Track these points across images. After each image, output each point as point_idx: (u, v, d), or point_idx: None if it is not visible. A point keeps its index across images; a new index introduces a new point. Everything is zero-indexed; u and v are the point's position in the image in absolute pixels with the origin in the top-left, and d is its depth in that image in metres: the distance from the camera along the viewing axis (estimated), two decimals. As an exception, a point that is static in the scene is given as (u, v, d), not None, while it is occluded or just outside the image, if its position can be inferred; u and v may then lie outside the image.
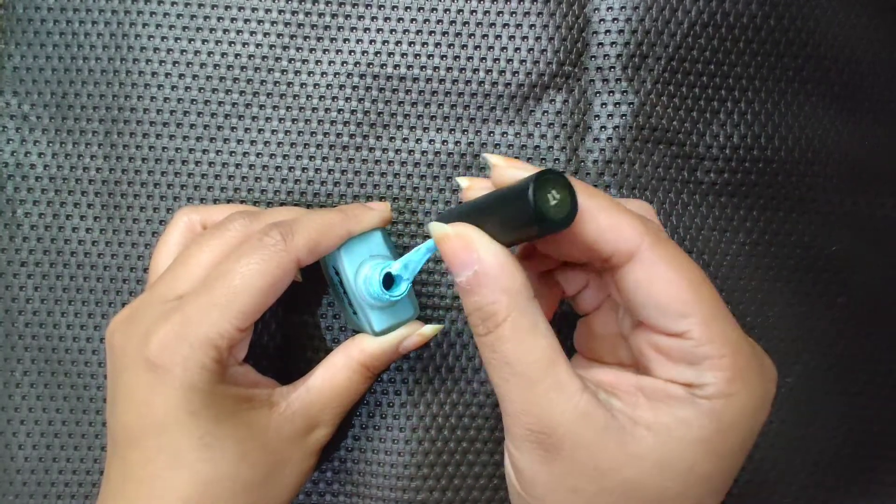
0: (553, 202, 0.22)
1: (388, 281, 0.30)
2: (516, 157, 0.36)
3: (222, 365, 0.28)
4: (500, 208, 0.24)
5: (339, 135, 0.37)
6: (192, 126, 0.37)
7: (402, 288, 0.30)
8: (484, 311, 0.24)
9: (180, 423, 0.27)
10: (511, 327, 0.23)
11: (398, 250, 0.35)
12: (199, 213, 0.32)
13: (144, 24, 0.36)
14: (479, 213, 0.25)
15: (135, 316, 0.28)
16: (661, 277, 0.23)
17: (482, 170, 0.37)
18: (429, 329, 0.33)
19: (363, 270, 0.31)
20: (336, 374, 0.31)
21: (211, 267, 0.29)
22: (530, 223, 0.22)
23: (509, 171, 0.26)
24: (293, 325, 0.37)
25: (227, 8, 0.36)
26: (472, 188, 0.28)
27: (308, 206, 0.37)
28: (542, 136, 0.36)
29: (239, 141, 0.37)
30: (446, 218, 0.26)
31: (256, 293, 0.28)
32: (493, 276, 0.23)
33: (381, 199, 0.36)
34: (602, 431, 0.23)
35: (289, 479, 0.30)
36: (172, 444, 0.26)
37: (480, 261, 0.23)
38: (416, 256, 0.30)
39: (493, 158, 0.27)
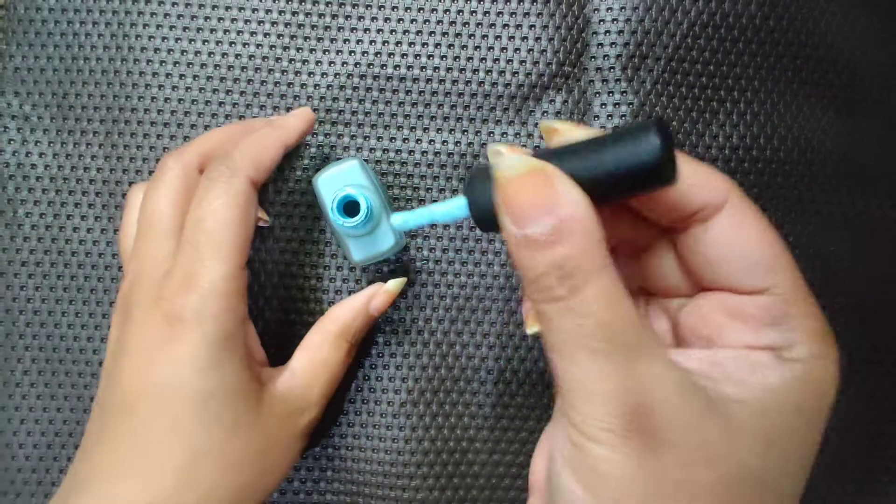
0: (670, 154, 0.20)
1: (353, 209, 0.31)
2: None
3: (233, 314, 0.28)
4: (604, 156, 0.20)
5: (339, 135, 0.37)
6: (192, 126, 0.37)
7: (360, 216, 0.30)
8: (566, 267, 0.19)
9: (185, 382, 0.26)
10: (602, 285, 0.19)
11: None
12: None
13: (145, 25, 0.36)
14: (565, 160, 0.21)
15: (139, 283, 0.28)
16: (751, 228, 0.21)
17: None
18: (392, 284, 0.33)
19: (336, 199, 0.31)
20: (315, 352, 0.32)
21: (175, 212, 0.29)
22: (650, 169, 0.20)
23: (577, 132, 0.23)
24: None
25: (227, 8, 0.36)
26: (514, 150, 0.23)
27: (308, 207, 0.37)
28: (542, 137, 0.36)
29: (239, 141, 0.37)
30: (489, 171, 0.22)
31: (234, 225, 0.28)
32: (585, 223, 0.19)
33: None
34: (704, 410, 0.20)
35: (277, 460, 0.30)
36: (171, 407, 0.26)
37: (567, 204, 0.19)
38: (417, 216, 0.25)
39: (554, 123, 0.24)
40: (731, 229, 0.21)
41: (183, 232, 0.28)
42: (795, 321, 0.21)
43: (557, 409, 0.24)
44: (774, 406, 0.20)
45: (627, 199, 0.23)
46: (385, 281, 0.34)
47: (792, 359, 0.20)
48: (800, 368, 0.20)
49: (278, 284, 0.37)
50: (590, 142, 0.21)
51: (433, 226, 0.37)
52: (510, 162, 0.20)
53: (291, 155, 0.37)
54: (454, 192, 0.37)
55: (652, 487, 0.19)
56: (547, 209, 0.19)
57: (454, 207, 0.24)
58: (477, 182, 0.23)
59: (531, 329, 0.25)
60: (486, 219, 0.22)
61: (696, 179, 0.21)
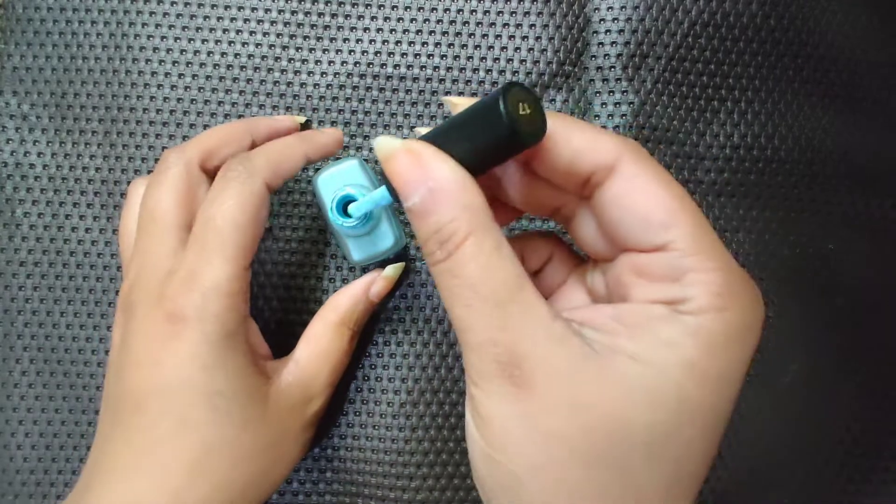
0: (523, 112, 0.21)
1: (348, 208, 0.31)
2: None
3: (235, 314, 0.28)
4: (467, 128, 0.22)
5: (339, 134, 0.37)
6: (191, 126, 0.37)
7: (358, 216, 0.30)
8: (442, 233, 0.21)
9: (191, 381, 0.26)
10: (474, 246, 0.21)
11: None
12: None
13: (144, 24, 0.36)
14: (441, 138, 0.23)
15: (141, 281, 0.28)
16: (643, 188, 0.21)
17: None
18: (390, 270, 0.34)
19: (336, 199, 0.31)
20: (318, 342, 0.32)
21: (178, 209, 0.29)
22: (502, 135, 0.21)
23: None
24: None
25: (226, 8, 0.36)
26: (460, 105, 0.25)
27: (308, 207, 0.37)
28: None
29: (239, 141, 0.37)
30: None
31: (244, 225, 0.28)
32: (452, 192, 0.21)
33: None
34: (579, 360, 0.20)
35: (287, 451, 0.30)
36: (179, 405, 0.26)
37: (436, 177, 0.21)
38: (372, 197, 0.27)
39: (453, 98, 0.25)
40: (624, 190, 0.22)
41: (192, 229, 0.28)
42: (693, 275, 0.21)
43: None
44: (666, 361, 0.20)
45: (510, 163, 0.24)
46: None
47: (688, 311, 0.20)
48: (693, 322, 0.20)
49: (278, 284, 0.37)
50: (458, 116, 0.22)
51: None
52: (383, 143, 0.22)
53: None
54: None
55: (526, 431, 0.20)
56: (419, 182, 0.21)
57: (380, 196, 0.26)
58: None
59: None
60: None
61: (583, 144, 0.22)
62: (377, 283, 0.33)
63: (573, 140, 0.22)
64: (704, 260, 0.21)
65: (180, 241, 0.28)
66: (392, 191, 0.24)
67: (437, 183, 0.21)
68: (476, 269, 0.21)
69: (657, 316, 0.21)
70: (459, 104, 0.25)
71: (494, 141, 0.21)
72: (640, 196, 0.21)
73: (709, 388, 0.20)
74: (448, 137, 0.22)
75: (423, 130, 0.25)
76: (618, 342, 0.21)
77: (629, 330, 0.21)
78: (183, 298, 0.27)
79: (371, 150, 0.37)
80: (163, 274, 0.28)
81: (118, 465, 0.26)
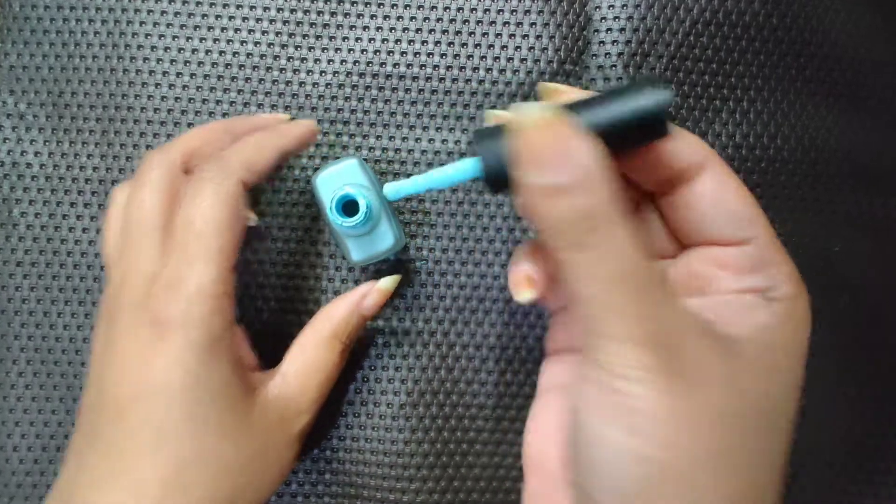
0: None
1: (351, 208, 0.30)
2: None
3: (221, 318, 0.27)
4: (609, 109, 0.21)
5: (339, 134, 0.36)
6: (190, 125, 0.36)
7: (359, 215, 0.30)
8: (593, 214, 0.20)
9: (171, 388, 0.26)
10: (626, 232, 0.20)
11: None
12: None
13: (142, 22, 0.36)
14: (583, 112, 0.22)
15: (125, 286, 0.28)
16: (732, 186, 0.23)
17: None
18: (385, 282, 0.33)
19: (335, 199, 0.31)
20: (308, 355, 0.31)
21: (160, 212, 0.28)
22: (653, 125, 0.21)
23: (575, 93, 0.25)
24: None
25: (225, 6, 0.36)
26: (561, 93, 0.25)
27: (308, 207, 0.36)
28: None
29: (237, 140, 0.36)
30: (497, 130, 0.23)
31: (223, 226, 0.27)
32: (606, 173, 0.20)
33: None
34: (720, 349, 0.21)
35: (271, 466, 0.29)
36: (159, 414, 0.26)
37: (591, 151, 0.20)
38: (409, 186, 0.25)
39: (550, 85, 0.25)
40: (715, 187, 0.23)
41: (172, 233, 0.28)
42: (775, 266, 0.23)
43: (568, 367, 0.27)
44: (768, 341, 0.22)
45: (628, 154, 0.24)
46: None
47: (776, 298, 0.22)
48: (783, 307, 0.22)
49: (276, 284, 0.36)
50: (598, 97, 0.22)
51: (433, 226, 0.36)
52: (530, 110, 0.21)
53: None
54: (454, 191, 0.36)
55: (686, 422, 0.20)
56: (569, 156, 0.20)
57: (459, 170, 0.23)
58: (486, 141, 0.22)
59: (523, 296, 0.25)
60: (498, 176, 0.22)
61: (681, 141, 0.23)
62: (371, 295, 0.32)
63: (674, 137, 0.23)
64: (781, 254, 0.23)
65: (164, 245, 0.28)
66: (487, 164, 0.22)
67: (590, 160, 0.20)
68: (630, 255, 0.20)
69: (753, 305, 0.22)
70: (564, 90, 0.25)
71: (643, 123, 0.21)
72: (730, 193, 0.23)
73: (800, 360, 0.23)
74: (585, 115, 0.22)
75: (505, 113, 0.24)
76: (728, 329, 0.22)
77: (731, 319, 0.22)
78: (167, 304, 0.26)
79: (371, 149, 0.36)
80: (147, 279, 0.27)
81: (95, 479, 0.26)
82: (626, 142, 0.22)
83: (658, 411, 0.20)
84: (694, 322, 0.21)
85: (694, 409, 0.20)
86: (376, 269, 0.36)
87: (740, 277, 0.23)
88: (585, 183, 0.20)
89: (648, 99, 0.21)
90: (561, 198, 0.20)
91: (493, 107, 0.36)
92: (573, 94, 0.25)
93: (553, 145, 0.20)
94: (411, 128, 0.36)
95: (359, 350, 0.36)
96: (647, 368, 0.20)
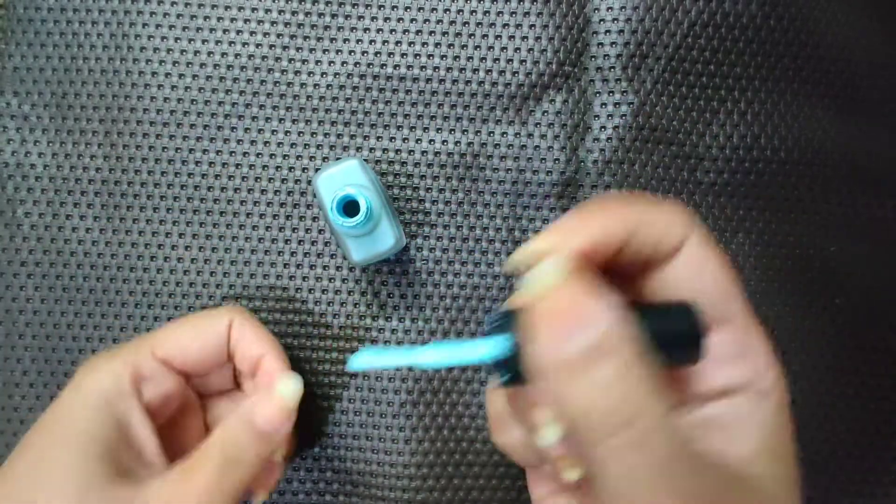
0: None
1: (352, 208, 0.31)
2: (518, 159, 0.36)
3: (132, 382, 0.29)
4: (653, 330, 0.20)
5: (339, 135, 0.37)
6: (192, 126, 0.37)
7: (360, 216, 0.30)
8: (623, 397, 0.17)
9: (56, 462, 0.27)
10: (663, 430, 0.18)
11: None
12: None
13: (144, 24, 0.36)
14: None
15: None
16: (712, 263, 0.22)
17: (482, 170, 0.37)
18: (284, 387, 0.29)
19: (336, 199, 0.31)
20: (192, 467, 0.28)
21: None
22: (685, 361, 0.21)
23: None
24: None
25: (227, 8, 0.36)
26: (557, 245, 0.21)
27: (308, 207, 0.37)
28: (542, 136, 0.37)
29: (239, 141, 0.37)
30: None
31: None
32: (625, 335, 0.18)
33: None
34: (723, 486, 0.20)
35: None
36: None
37: (616, 314, 0.18)
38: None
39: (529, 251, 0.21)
40: (694, 266, 0.22)
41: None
42: (756, 347, 0.22)
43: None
44: (765, 436, 0.21)
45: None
46: (385, 282, 0.33)
47: (766, 390, 0.21)
48: (774, 397, 0.21)
49: (276, 285, 0.37)
50: (650, 320, 0.20)
51: (433, 226, 0.37)
52: (539, 274, 0.19)
53: (290, 155, 0.37)
54: (454, 192, 0.37)
55: None
56: (592, 319, 0.18)
57: (482, 355, 0.21)
58: (503, 326, 0.21)
59: (573, 474, 0.22)
60: (513, 365, 0.20)
61: (659, 220, 0.21)
62: (261, 404, 0.29)
63: (651, 217, 0.22)
64: (758, 328, 0.22)
65: None
66: (511, 348, 0.20)
67: (616, 321, 0.18)
68: (668, 436, 0.18)
69: (747, 410, 0.21)
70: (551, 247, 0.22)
71: (677, 355, 0.20)
72: (710, 272, 0.22)
73: (791, 435, 0.22)
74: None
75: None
76: (728, 450, 0.21)
77: (727, 430, 0.21)
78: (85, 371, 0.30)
79: (371, 150, 0.37)
80: None
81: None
82: (670, 361, 0.21)
83: None
84: (718, 480, 0.19)
85: None
86: (377, 269, 0.37)
87: (724, 367, 0.22)
88: (608, 350, 0.17)
89: (683, 333, 0.20)
90: (578, 373, 0.17)
91: (493, 109, 0.36)
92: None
93: (571, 308, 0.18)
94: (412, 129, 0.37)
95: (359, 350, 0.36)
96: None
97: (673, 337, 0.20)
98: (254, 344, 0.32)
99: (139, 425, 0.29)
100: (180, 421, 0.32)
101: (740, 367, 0.21)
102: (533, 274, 0.19)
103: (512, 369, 0.20)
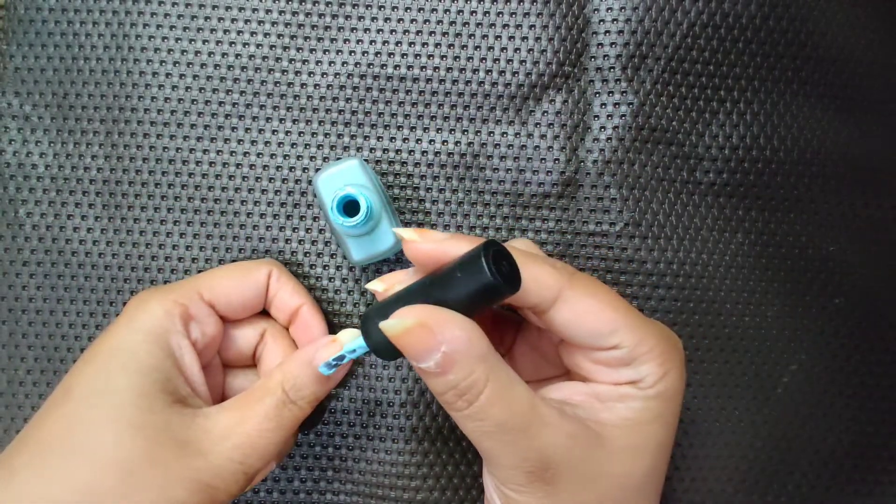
0: (505, 270, 0.24)
1: (352, 208, 0.31)
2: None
3: (182, 320, 0.30)
4: (449, 289, 0.25)
5: (339, 135, 0.37)
6: (192, 126, 0.37)
7: (360, 215, 0.30)
8: (461, 387, 0.24)
9: (116, 387, 0.28)
10: (494, 390, 0.24)
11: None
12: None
13: (145, 25, 0.36)
14: (426, 295, 0.25)
15: None
16: (586, 311, 0.26)
17: (481, 170, 0.37)
18: (344, 335, 0.31)
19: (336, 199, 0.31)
20: (248, 402, 0.30)
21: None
22: (494, 295, 0.24)
23: (423, 245, 0.27)
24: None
25: (227, 8, 0.36)
26: (389, 288, 0.28)
27: (308, 207, 0.37)
28: (542, 136, 0.37)
29: (239, 141, 0.37)
30: (382, 310, 0.26)
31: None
32: (465, 350, 0.24)
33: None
34: (586, 444, 0.26)
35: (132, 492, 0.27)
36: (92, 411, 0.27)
37: (450, 339, 0.24)
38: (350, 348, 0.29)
39: (402, 232, 0.27)
40: (571, 314, 0.26)
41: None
42: (642, 358, 0.26)
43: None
44: (640, 421, 0.26)
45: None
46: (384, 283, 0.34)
47: (647, 385, 0.26)
48: (653, 391, 0.26)
49: (279, 284, 0.37)
50: (441, 275, 0.25)
51: (433, 225, 0.37)
52: (396, 324, 0.24)
53: (290, 155, 0.37)
54: (454, 192, 0.37)
55: None
56: (431, 350, 0.24)
57: (360, 349, 0.28)
58: (370, 323, 0.27)
59: None
60: (387, 353, 0.27)
61: (529, 280, 0.26)
62: (325, 347, 0.30)
63: (527, 291, 0.26)
64: (644, 344, 0.26)
65: None
66: (374, 346, 0.27)
67: (450, 346, 0.24)
68: (499, 409, 0.24)
69: (626, 394, 0.27)
70: (390, 286, 0.28)
71: (483, 295, 0.24)
72: (586, 317, 0.26)
73: (670, 428, 0.27)
74: (438, 294, 0.25)
75: (378, 285, 0.28)
76: (601, 416, 0.27)
77: (606, 405, 0.27)
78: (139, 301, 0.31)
79: (371, 150, 0.37)
80: None
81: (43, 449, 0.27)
82: (483, 305, 0.25)
83: None
84: (565, 432, 0.25)
85: (561, 501, 0.25)
86: (377, 269, 0.37)
87: (615, 371, 0.27)
88: (447, 367, 0.24)
89: (477, 279, 0.24)
90: (432, 378, 0.25)
91: (493, 109, 0.36)
92: (397, 277, 0.28)
93: (417, 345, 0.24)
94: (412, 129, 0.37)
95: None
96: (524, 483, 0.25)
97: (480, 286, 0.24)
98: (294, 295, 0.34)
99: (190, 360, 0.30)
100: (210, 372, 0.33)
101: (626, 372, 0.27)
102: (393, 320, 0.25)
103: (386, 352, 0.27)
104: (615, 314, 0.26)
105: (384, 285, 0.28)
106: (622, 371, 0.27)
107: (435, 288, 0.25)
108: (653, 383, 0.26)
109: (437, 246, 0.27)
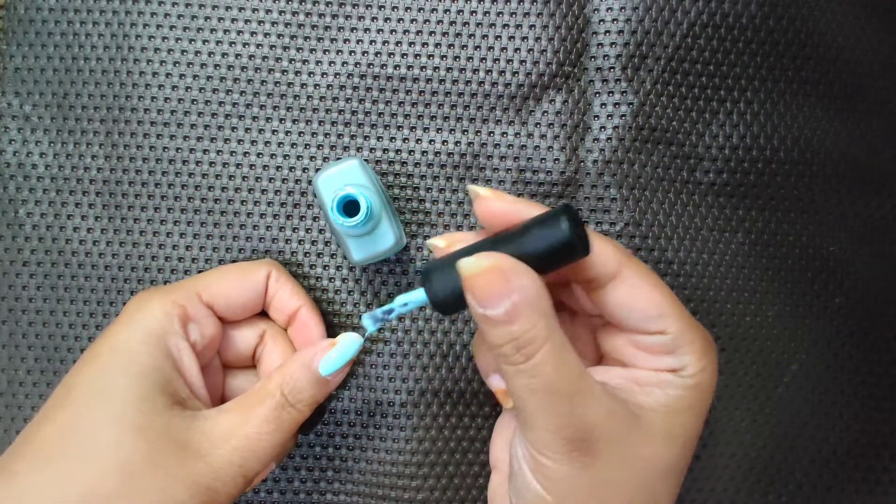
0: (580, 233, 0.25)
1: (352, 208, 0.31)
2: (516, 162, 0.37)
3: (181, 321, 0.30)
4: (524, 244, 0.25)
5: (339, 135, 0.37)
6: (192, 126, 0.37)
7: (360, 215, 0.30)
8: (522, 340, 0.24)
9: (117, 388, 0.28)
10: (551, 350, 0.24)
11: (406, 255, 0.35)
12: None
13: (145, 25, 0.36)
14: (509, 247, 0.26)
15: None
16: (641, 290, 0.27)
17: (481, 170, 0.37)
18: (343, 339, 0.31)
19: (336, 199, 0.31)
20: (248, 405, 0.30)
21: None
22: (568, 255, 0.25)
23: (497, 203, 0.28)
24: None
25: (227, 8, 0.36)
26: (451, 245, 0.28)
27: (308, 207, 0.37)
28: (542, 136, 0.37)
29: (239, 141, 0.37)
30: (444, 263, 0.27)
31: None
32: (534, 303, 0.24)
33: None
34: (625, 422, 0.26)
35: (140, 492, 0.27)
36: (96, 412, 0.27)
37: (521, 288, 0.24)
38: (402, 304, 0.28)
39: (479, 189, 0.28)
40: (626, 292, 0.27)
41: None
42: (685, 348, 0.27)
43: (514, 417, 0.29)
44: (676, 408, 0.27)
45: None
46: (385, 282, 0.34)
47: (687, 375, 0.27)
48: (692, 381, 0.27)
49: (279, 284, 0.37)
50: (523, 229, 0.26)
51: (433, 226, 0.37)
52: (473, 262, 0.25)
53: (290, 155, 0.37)
54: (454, 192, 0.37)
55: (590, 487, 0.26)
56: (502, 296, 0.24)
57: (413, 302, 0.28)
58: (433, 275, 0.27)
59: (508, 405, 0.30)
60: (445, 305, 0.27)
61: (595, 255, 0.27)
62: (322, 350, 0.30)
63: (588, 265, 0.27)
64: (689, 336, 0.27)
65: None
66: (434, 297, 0.27)
67: (520, 295, 0.24)
68: (553, 369, 0.24)
69: (666, 380, 0.27)
70: (453, 241, 0.28)
71: (559, 252, 0.25)
72: (640, 298, 0.27)
73: (701, 420, 0.28)
74: (513, 248, 0.25)
75: (440, 241, 0.28)
76: (639, 399, 0.27)
77: (644, 389, 0.27)
78: (139, 301, 0.31)
79: (371, 150, 0.37)
80: None
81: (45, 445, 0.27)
82: (554, 264, 0.26)
83: (564, 480, 0.26)
84: (606, 406, 0.25)
85: (593, 478, 0.26)
86: (377, 269, 0.37)
87: (656, 358, 0.27)
88: (514, 316, 0.24)
89: (555, 235, 0.25)
90: (496, 326, 0.25)
91: (493, 109, 0.36)
92: (501, 199, 0.28)
93: (489, 288, 0.24)
94: (412, 129, 0.37)
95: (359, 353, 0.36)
96: (561, 451, 0.25)
97: (555, 247, 0.25)
98: (293, 296, 0.34)
99: (189, 362, 0.30)
100: (210, 372, 0.33)
101: (667, 360, 0.27)
102: (471, 259, 0.25)
103: (446, 306, 0.27)
104: (664, 300, 0.27)
105: (445, 242, 0.28)
106: (664, 358, 0.27)
107: (506, 244, 0.26)
108: (692, 374, 0.27)
109: (510, 206, 0.27)
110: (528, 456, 0.26)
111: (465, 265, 0.25)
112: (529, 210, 0.27)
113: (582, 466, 0.25)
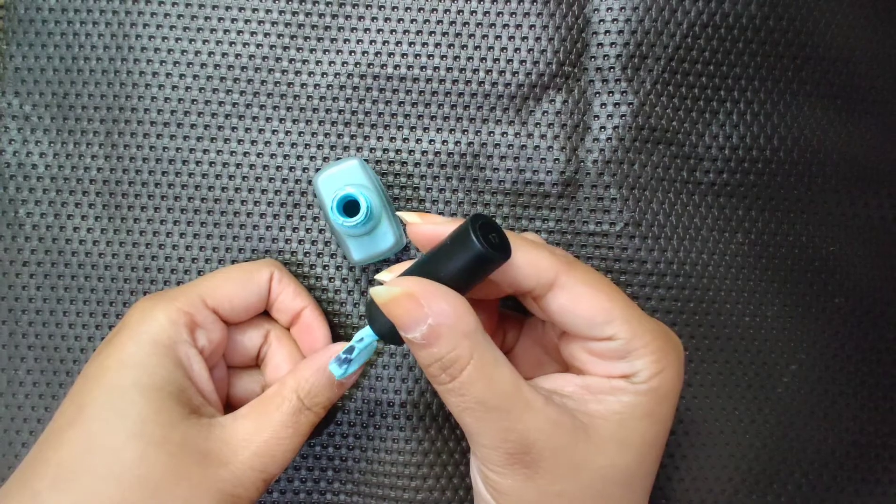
0: (494, 240, 0.25)
1: (352, 208, 0.31)
2: (516, 158, 0.37)
3: (188, 328, 0.30)
4: (441, 262, 0.25)
5: (339, 135, 0.37)
6: (192, 126, 0.37)
7: (360, 215, 0.30)
8: (445, 361, 0.25)
9: (132, 403, 0.27)
10: (476, 368, 0.24)
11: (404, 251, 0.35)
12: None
13: (145, 25, 0.36)
14: (426, 269, 0.26)
15: None
16: (582, 297, 0.26)
17: (481, 170, 0.37)
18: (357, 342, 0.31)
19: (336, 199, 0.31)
20: (265, 409, 0.30)
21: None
22: (484, 263, 0.25)
23: (424, 226, 0.28)
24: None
25: (227, 8, 0.36)
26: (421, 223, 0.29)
27: (308, 207, 0.37)
28: (542, 136, 0.37)
29: (239, 141, 0.37)
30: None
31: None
32: (451, 324, 0.24)
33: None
34: (571, 433, 0.26)
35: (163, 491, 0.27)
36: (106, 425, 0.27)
37: (437, 312, 0.24)
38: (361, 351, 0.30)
39: (407, 216, 0.28)
40: (567, 301, 0.26)
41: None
42: (637, 352, 0.26)
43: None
44: (629, 415, 0.26)
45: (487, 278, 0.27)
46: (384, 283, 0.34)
47: (640, 381, 0.26)
48: (646, 386, 0.26)
49: (279, 284, 0.37)
50: (436, 251, 0.26)
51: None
52: (380, 291, 0.25)
53: (290, 155, 0.37)
54: (454, 192, 0.37)
55: (539, 497, 0.26)
56: (418, 321, 0.24)
57: (368, 338, 0.29)
58: (374, 309, 0.28)
59: None
60: (394, 337, 0.27)
61: (526, 265, 0.26)
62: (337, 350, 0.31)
63: (518, 261, 0.26)
64: (640, 339, 0.26)
65: None
66: (379, 331, 0.28)
67: (437, 317, 0.24)
68: (481, 387, 0.25)
69: (618, 387, 0.27)
70: (414, 222, 0.28)
71: (473, 264, 0.25)
72: (581, 305, 0.26)
73: (660, 427, 0.27)
74: (432, 269, 0.26)
75: (399, 269, 0.28)
76: (591, 408, 0.27)
77: (597, 397, 0.27)
78: (141, 310, 0.31)
79: (371, 150, 0.37)
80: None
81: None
82: (475, 276, 0.26)
83: (513, 492, 0.26)
84: (548, 417, 0.25)
85: (542, 490, 0.26)
86: (377, 269, 0.37)
87: (609, 364, 0.27)
88: (433, 339, 0.24)
89: (466, 249, 0.25)
90: (418, 350, 0.25)
91: (493, 109, 0.36)
92: (429, 222, 0.28)
93: (405, 314, 0.25)
94: (412, 129, 0.37)
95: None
96: (505, 465, 0.26)
97: (469, 255, 0.25)
98: (297, 297, 0.34)
99: (199, 369, 0.30)
100: (216, 375, 0.33)
101: (620, 366, 0.27)
102: (382, 287, 0.25)
103: (390, 337, 0.28)
104: (611, 304, 0.26)
105: (392, 275, 0.28)
106: (616, 364, 0.27)
107: (429, 264, 0.26)
108: (646, 379, 0.26)
109: (439, 228, 0.27)
110: (479, 470, 0.27)
111: (377, 294, 0.25)
112: (454, 227, 0.26)
113: (526, 478, 0.26)
